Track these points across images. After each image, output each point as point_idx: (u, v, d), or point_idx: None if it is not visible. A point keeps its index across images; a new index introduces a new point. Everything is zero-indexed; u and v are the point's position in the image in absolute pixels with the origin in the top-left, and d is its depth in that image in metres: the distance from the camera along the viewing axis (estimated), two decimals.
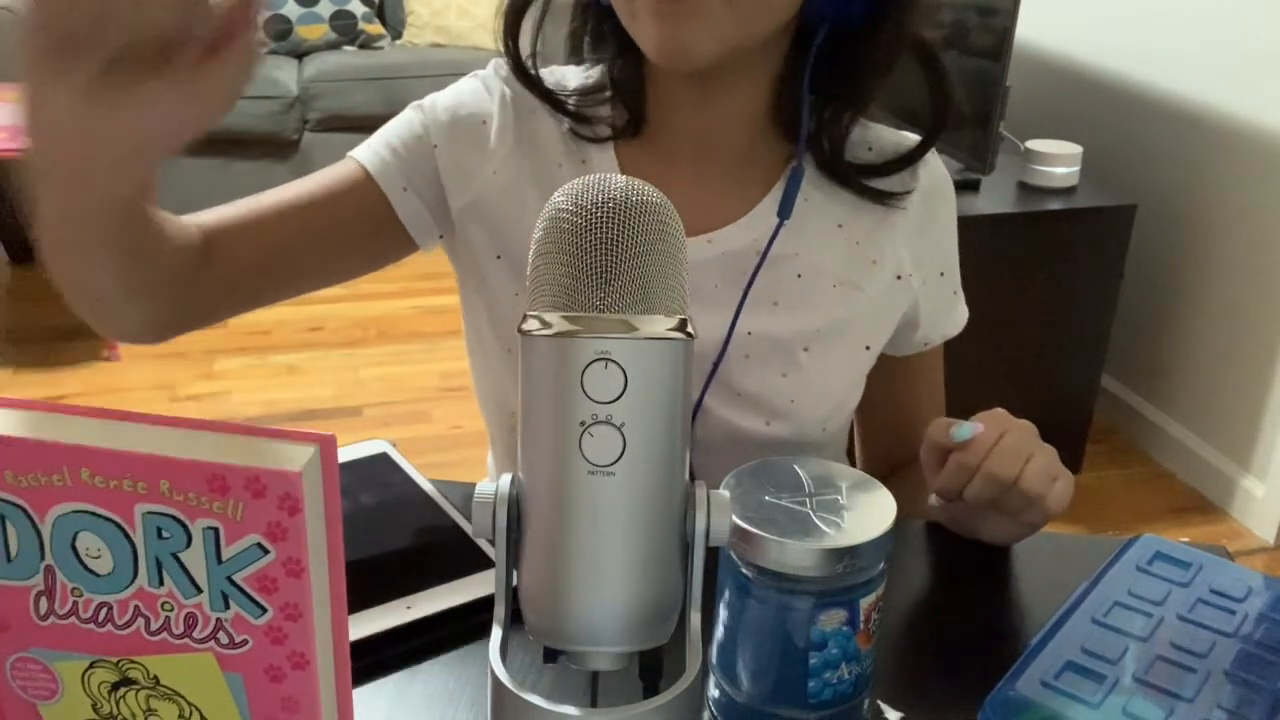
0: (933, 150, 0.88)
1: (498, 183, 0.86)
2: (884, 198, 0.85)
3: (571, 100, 0.86)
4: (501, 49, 0.85)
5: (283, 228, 0.82)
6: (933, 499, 0.78)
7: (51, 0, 0.44)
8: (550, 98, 0.86)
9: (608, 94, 0.86)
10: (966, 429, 0.74)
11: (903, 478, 0.91)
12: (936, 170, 0.89)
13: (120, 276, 0.69)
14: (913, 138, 0.87)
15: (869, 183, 0.85)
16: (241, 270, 0.81)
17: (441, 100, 0.90)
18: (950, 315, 0.94)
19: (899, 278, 0.88)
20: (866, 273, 0.86)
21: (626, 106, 0.85)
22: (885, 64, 0.81)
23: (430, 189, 0.87)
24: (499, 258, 0.87)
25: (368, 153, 0.88)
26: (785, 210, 0.82)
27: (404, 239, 0.87)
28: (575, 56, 0.88)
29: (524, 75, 0.85)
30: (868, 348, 0.88)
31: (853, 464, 1.00)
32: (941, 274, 0.91)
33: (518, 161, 0.86)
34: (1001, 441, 0.73)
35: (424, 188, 0.87)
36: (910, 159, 0.85)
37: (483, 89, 0.89)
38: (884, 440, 0.99)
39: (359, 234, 0.86)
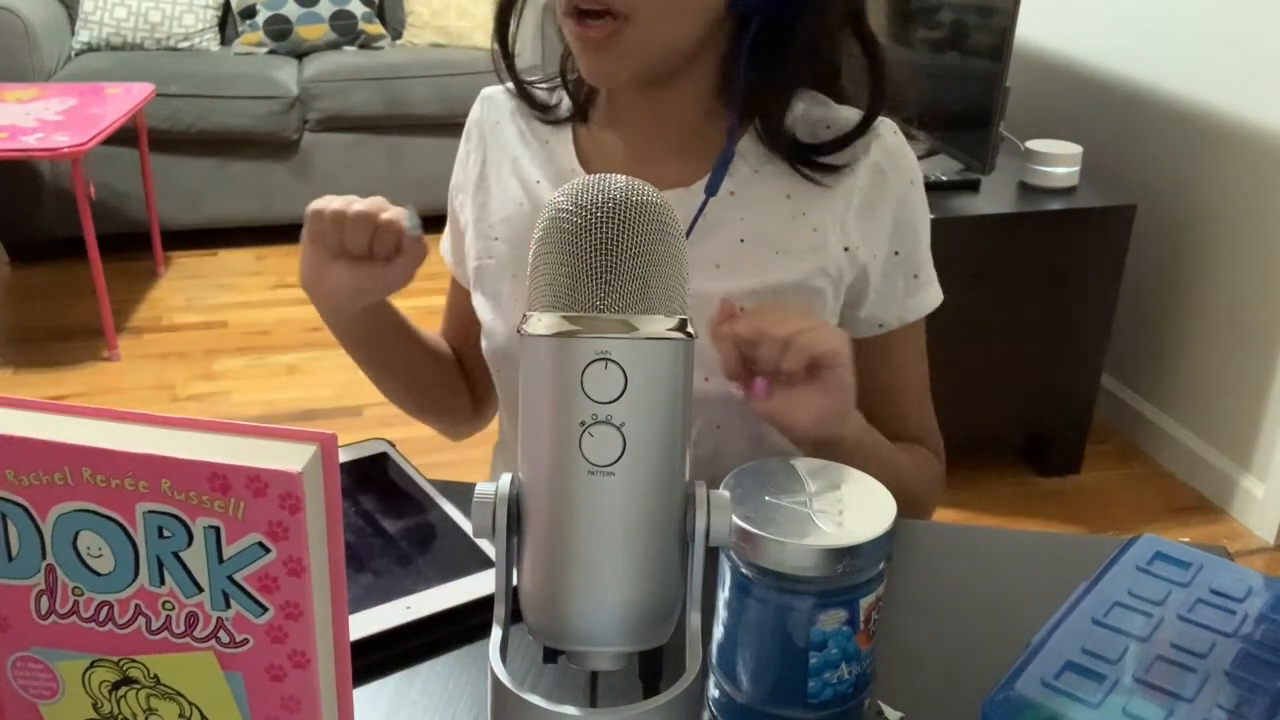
0: (894, 130, 0.90)
1: (473, 196, 0.98)
2: (821, 172, 0.87)
3: (539, 87, 0.96)
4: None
5: (454, 329, 1.07)
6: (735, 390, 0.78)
7: (315, 231, 0.84)
8: (522, 88, 0.96)
9: (559, 81, 0.95)
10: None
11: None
12: (893, 148, 0.90)
13: (408, 393, 1.04)
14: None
15: (812, 158, 0.88)
16: (470, 365, 1.06)
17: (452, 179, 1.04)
18: (909, 299, 0.92)
19: (845, 249, 0.88)
20: (807, 241, 0.88)
21: (577, 94, 0.94)
22: (816, 43, 0.86)
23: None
24: (490, 259, 0.95)
25: (443, 243, 1.06)
26: (712, 188, 0.86)
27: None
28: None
29: (510, 68, 0.94)
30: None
31: None
32: (896, 253, 0.91)
33: (480, 170, 0.98)
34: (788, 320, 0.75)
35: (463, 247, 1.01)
36: (847, 140, 0.87)
37: (464, 136, 1.01)
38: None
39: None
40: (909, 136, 0.92)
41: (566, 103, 0.95)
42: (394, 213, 0.83)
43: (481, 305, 0.97)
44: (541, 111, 0.96)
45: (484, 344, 0.97)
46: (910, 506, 0.92)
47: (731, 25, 0.84)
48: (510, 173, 0.95)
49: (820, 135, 0.89)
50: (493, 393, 1.04)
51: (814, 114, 0.90)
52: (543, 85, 0.97)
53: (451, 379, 1.05)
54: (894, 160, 0.90)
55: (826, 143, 0.88)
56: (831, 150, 0.87)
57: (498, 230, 0.95)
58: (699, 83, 0.87)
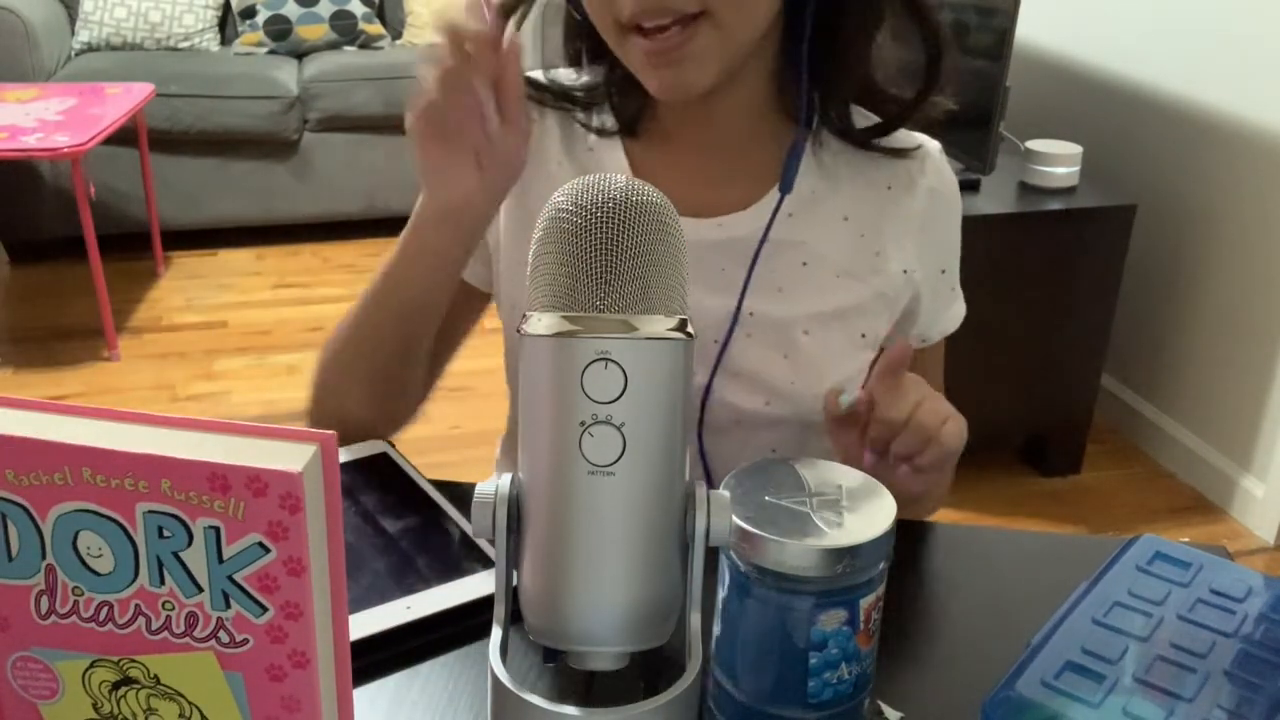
0: (940, 150, 0.91)
1: (513, 213, 0.90)
2: (895, 154, 0.87)
3: (580, 95, 0.90)
4: None
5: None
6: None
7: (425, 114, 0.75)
8: (562, 94, 0.89)
9: (604, 91, 0.89)
10: (847, 398, 0.76)
11: None
12: (944, 170, 0.91)
13: (397, 374, 0.90)
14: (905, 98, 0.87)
15: (878, 142, 0.87)
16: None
17: None
18: (948, 312, 0.95)
19: (905, 272, 0.89)
20: (869, 264, 0.88)
21: (626, 113, 0.88)
22: (871, 28, 0.82)
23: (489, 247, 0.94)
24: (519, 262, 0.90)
25: None
26: (786, 185, 0.84)
27: (472, 289, 0.95)
28: (574, 65, 0.91)
29: (548, 86, 0.89)
30: (863, 335, 0.89)
31: None
32: (943, 271, 0.92)
33: (519, 187, 0.88)
34: (923, 404, 0.75)
35: (485, 247, 0.93)
36: (911, 108, 0.85)
37: None
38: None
39: (471, 295, 0.95)
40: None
41: (610, 122, 0.89)
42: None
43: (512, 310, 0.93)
44: (591, 118, 0.90)
45: (508, 361, 0.95)
46: (926, 509, 0.92)
47: (778, 31, 0.82)
48: (553, 175, 0.89)
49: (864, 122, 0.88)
50: (439, 360, 0.96)
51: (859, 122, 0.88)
52: (581, 91, 0.90)
53: (420, 364, 0.96)
54: (944, 182, 0.91)
55: (891, 119, 0.86)
56: (895, 127, 0.86)
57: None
58: (752, 89, 0.85)
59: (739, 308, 0.84)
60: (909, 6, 0.82)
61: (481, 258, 0.95)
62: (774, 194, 0.85)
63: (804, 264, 0.87)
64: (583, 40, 0.89)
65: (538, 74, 0.91)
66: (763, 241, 0.84)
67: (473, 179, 0.76)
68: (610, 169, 0.88)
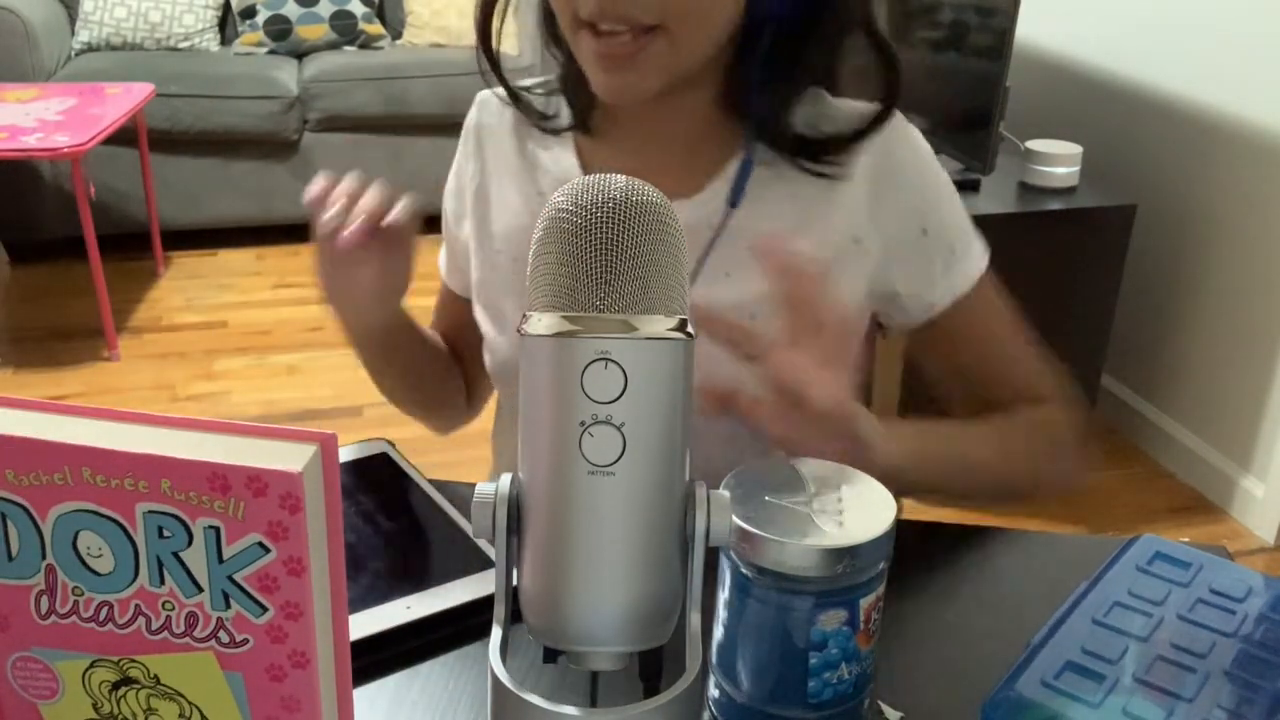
0: (900, 119, 0.88)
1: (473, 207, 0.96)
2: (827, 167, 0.86)
3: (536, 94, 0.94)
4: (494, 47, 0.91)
5: (446, 336, 1.06)
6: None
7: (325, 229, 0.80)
8: (514, 94, 0.92)
9: (560, 83, 0.92)
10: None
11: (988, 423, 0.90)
12: (895, 130, 0.88)
13: (411, 392, 1.04)
14: (872, 109, 0.87)
15: (820, 156, 0.86)
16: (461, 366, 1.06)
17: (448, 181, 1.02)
18: (952, 274, 0.90)
19: (855, 240, 0.87)
20: (815, 239, 0.86)
21: (579, 105, 0.90)
22: (827, 50, 0.85)
23: (464, 253, 0.99)
24: (493, 270, 0.95)
25: (441, 252, 1.05)
26: (735, 199, 0.85)
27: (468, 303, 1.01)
28: (548, 50, 0.92)
29: (496, 71, 0.91)
30: None
31: None
32: (925, 231, 0.88)
33: (479, 181, 0.96)
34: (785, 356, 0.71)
35: (460, 254, 1.00)
36: (856, 138, 0.86)
37: (460, 141, 0.99)
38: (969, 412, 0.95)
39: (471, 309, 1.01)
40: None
41: (566, 112, 0.92)
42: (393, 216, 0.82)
43: (484, 319, 0.96)
44: (538, 119, 0.93)
45: (487, 359, 0.96)
46: (1042, 475, 0.89)
47: (739, 34, 0.83)
48: (510, 183, 0.94)
49: (821, 128, 0.87)
50: (484, 383, 1.05)
51: (810, 109, 0.88)
52: (539, 91, 0.94)
53: (451, 374, 1.05)
54: (897, 142, 0.88)
55: (831, 138, 0.86)
56: (837, 148, 0.86)
57: (499, 243, 0.94)
58: (703, 92, 0.86)
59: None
60: (869, 35, 0.84)
61: (459, 268, 1.01)
62: (717, 185, 0.87)
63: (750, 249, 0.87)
64: (550, 28, 0.89)
65: (499, 92, 0.94)
66: (708, 249, 0.85)
67: (361, 296, 0.87)
68: (561, 166, 0.91)
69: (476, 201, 0.96)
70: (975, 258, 0.92)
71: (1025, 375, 0.93)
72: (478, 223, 0.96)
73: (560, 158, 0.92)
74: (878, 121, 0.86)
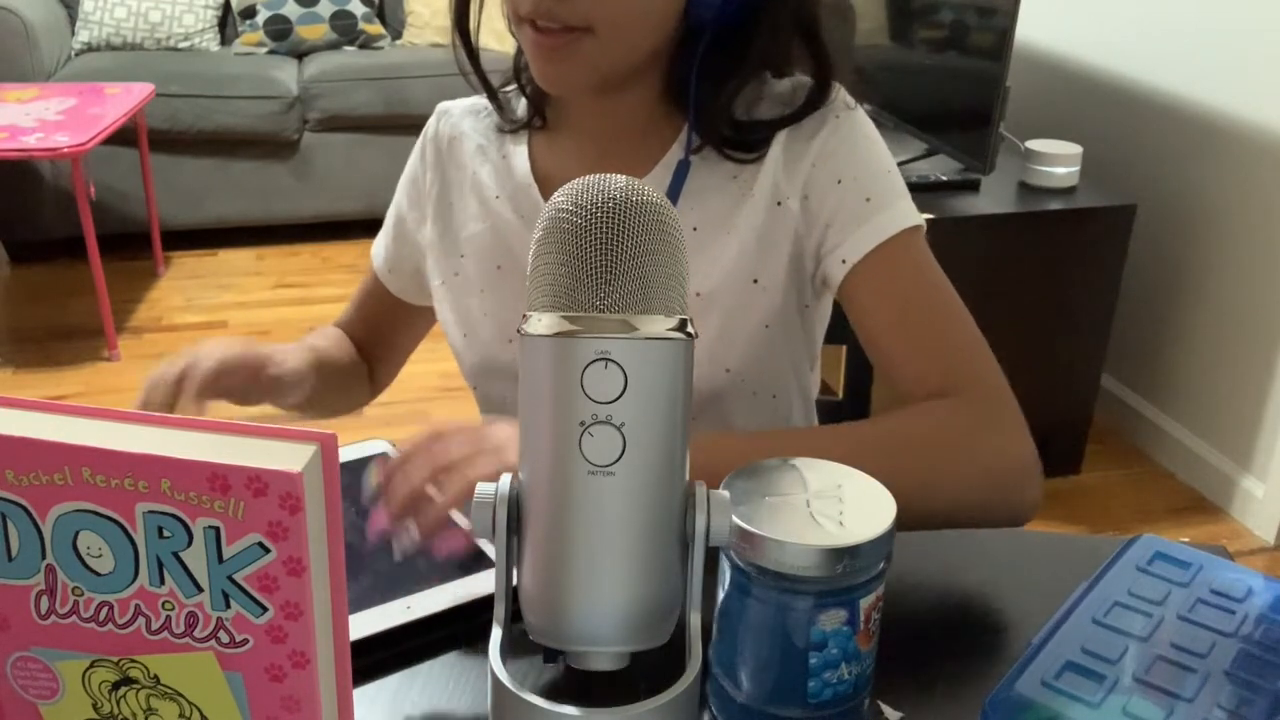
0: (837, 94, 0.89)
1: (434, 217, 0.99)
2: (749, 150, 0.88)
3: (500, 91, 0.97)
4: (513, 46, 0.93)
5: (366, 325, 1.11)
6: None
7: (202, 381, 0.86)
8: (489, 87, 0.96)
9: (514, 87, 0.96)
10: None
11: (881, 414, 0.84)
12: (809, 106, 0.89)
13: (337, 407, 1.08)
14: (801, 81, 0.89)
15: (741, 139, 0.88)
16: (371, 353, 1.12)
17: (401, 181, 1.05)
18: (864, 226, 0.85)
19: (778, 204, 0.88)
20: (748, 209, 0.88)
21: (532, 100, 0.95)
22: (764, 51, 0.87)
23: (412, 258, 1.03)
24: (456, 274, 0.98)
25: (376, 246, 1.09)
26: (673, 196, 0.88)
27: (407, 304, 1.07)
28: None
29: (476, 67, 0.94)
30: (755, 280, 0.88)
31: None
32: (839, 181, 0.86)
33: (439, 189, 0.99)
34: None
35: (407, 258, 1.04)
36: (778, 125, 0.88)
37: (417, 149, 1.02)
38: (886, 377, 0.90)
39: (401, 309, 1.09)
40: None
41: (523, 107, 0.96)
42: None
43: (450, 324, 0.98)
44: (506, 113, 0.96)
45: (461, 366, 0.99)
46: (935, 487, 0.74)
47: (681, 34, 0.85)
48: (470, 190, 0.97)
49: (758, 112, 0.89)
50: (384, 365, 1.13)
51: (751, 93, 0.90)
52: (509, 91, 0.97)
53: (360, 374, 1.10)
54: (817, 110, 0.88)
55: (753, 123, 0.88)
56: (757, 131, 0.88)
57: (463, 248, 0.97)
58: (648, 87, 0.89)
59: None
60: (806, 37, 0.87)
61: (403, 270, 1.05)
62: (657, 172, 0.89)
63: (694, 229, 0.88)
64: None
65: (461, 102, 1.00)
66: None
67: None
68: (515, 162, 0.95)
69: (438, 209, 0.99)
70: (891, 215, 0.85)
71: (937, 362, 0.83)
72: (441, 231, 0.98)
73: (514, 159, 0.95)
74: (806, 109, 0.88)
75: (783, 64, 0.90)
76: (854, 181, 0.86)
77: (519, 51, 0.92)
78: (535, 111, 0.95)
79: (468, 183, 0.97)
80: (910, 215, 0.86)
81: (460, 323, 0.97)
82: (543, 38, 0.80)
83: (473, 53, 0.93)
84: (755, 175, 0.88)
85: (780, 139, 0.88)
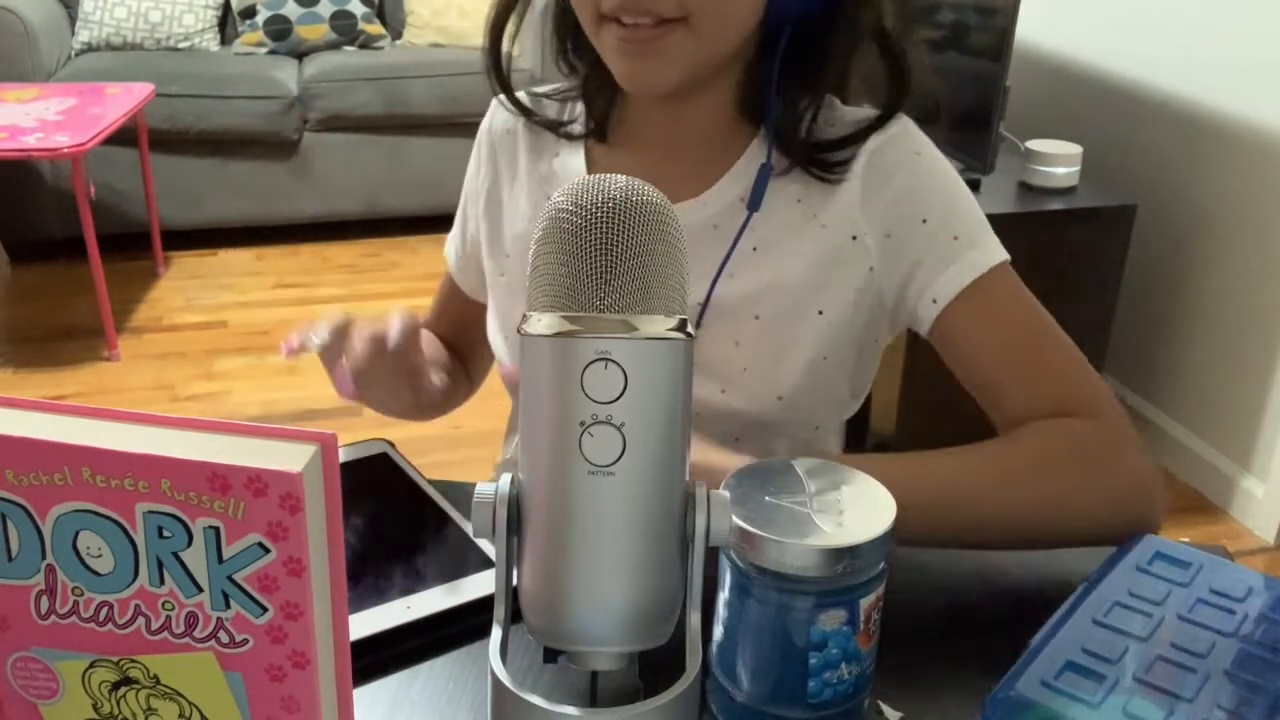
0: (905, 121, 0.88)
1: (485, 211, 0.97)
2: (831, 171, 0.86)
3: (549, 100, 0.94)
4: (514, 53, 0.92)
5: (449, 325, 1.08)
6: None
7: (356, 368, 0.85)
8: (520, 105, 0.93)
9: (577, 94, 0.93)
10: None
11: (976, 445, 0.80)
12: (889, 134, 0.87)
13: (445, 408, 1.03)
14: (872, 113, 0.87)
15: (823, 156, 0.86)
16: (460, 353, 1.08)
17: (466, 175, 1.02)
18: (952, 265, 0.85)
19: (853, 238, 0.86)
20: (815, 239, 0.86)
21: (597, 111, 0.91)
22: (843, 55, 0.85)
23: (476, 255, 1.00)
24: (502, 275, 0.95)
25: (448, 246, 1.06)
26: (755, 203, 0.85)
27: (481, 303, 1.02)
28: (561, 61, 0.93)
29: (503, 82, 0.92)
30: (820, 312, 0.86)
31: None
32: (924, 221, 0.85)
33: (490, 184, 0.97)
34: None
35: (472, 256, 1.01)
36: (857, 137, 0.86)
37: (474, 151, 1.00)
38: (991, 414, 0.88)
39: (478, 308, 1.03)
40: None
41: (582, 119, 0.92)
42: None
43: (493, 327, 0.97)
44: (552, 125, 0.93)
45: (500, 370, 0.96)
46: (1070, 498, 0.75)
47: (758, 38, 0.83)
48: (521, 188, 0.94)
49: (828, 133, 0.87)
50: (482, 365, 1.08)
51: (823, 114, 0.88)
52: (554, 98, 0.95)
53: (458, 372, 1.06)
54: (892, 140, 0.87)
55: (835, 140, 0.86)
56: (841, 147, 0.86)
57: (509, 248, 0.95)
58: (720, 94, 0.86)
59: (707, 301, 0.85)
60: (882, 41, 0.84)
61: (470, 269, 1.02)
62: (724, 183, 0.87)
63: (754, 249, 0.86)
64: (568, 36, 0.90)
65: (521, 94, 0.95)
66: (728, 256, 0.85)
67: (387, 392, 0.88)
68: (569, 170, 0.92)
69: (489, 207, 0.97)
70: (981, 253, 0.85)
71: (1047, 386, 0.83)
72: (490, 228, 0.97)
73: (569, 162, 0.92)
74: (879, 122, 0.86)
75: (847, 74, 0.88)
76: (940, 220, 0.86)
77: (589, 69, 0.89)
78: (595, 125, 0.91)
79: (520, 180, 0.94)
80: (998, 250, 0.87)
81: (503, 326, 0.95)
82: (631, 34, 0.77)
83: (502, 68, 0.91)
84: (824, 203, 0.86)
85: (857, 172, 0.86)
